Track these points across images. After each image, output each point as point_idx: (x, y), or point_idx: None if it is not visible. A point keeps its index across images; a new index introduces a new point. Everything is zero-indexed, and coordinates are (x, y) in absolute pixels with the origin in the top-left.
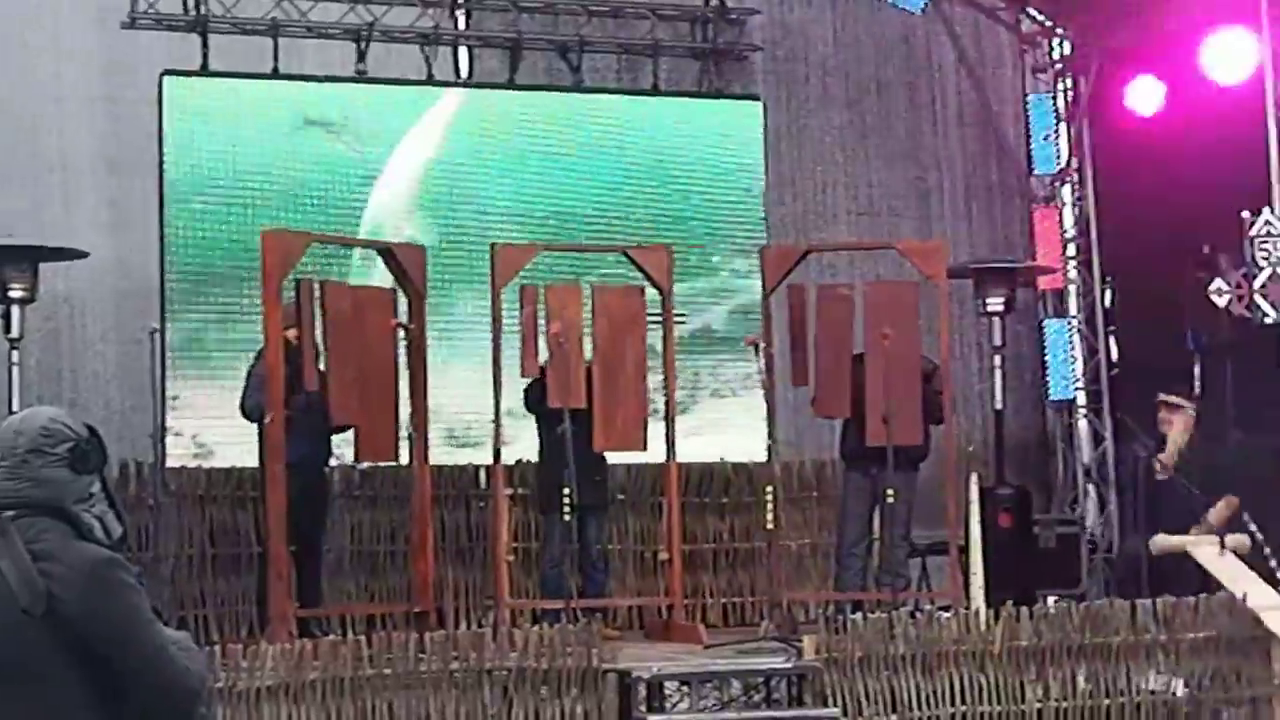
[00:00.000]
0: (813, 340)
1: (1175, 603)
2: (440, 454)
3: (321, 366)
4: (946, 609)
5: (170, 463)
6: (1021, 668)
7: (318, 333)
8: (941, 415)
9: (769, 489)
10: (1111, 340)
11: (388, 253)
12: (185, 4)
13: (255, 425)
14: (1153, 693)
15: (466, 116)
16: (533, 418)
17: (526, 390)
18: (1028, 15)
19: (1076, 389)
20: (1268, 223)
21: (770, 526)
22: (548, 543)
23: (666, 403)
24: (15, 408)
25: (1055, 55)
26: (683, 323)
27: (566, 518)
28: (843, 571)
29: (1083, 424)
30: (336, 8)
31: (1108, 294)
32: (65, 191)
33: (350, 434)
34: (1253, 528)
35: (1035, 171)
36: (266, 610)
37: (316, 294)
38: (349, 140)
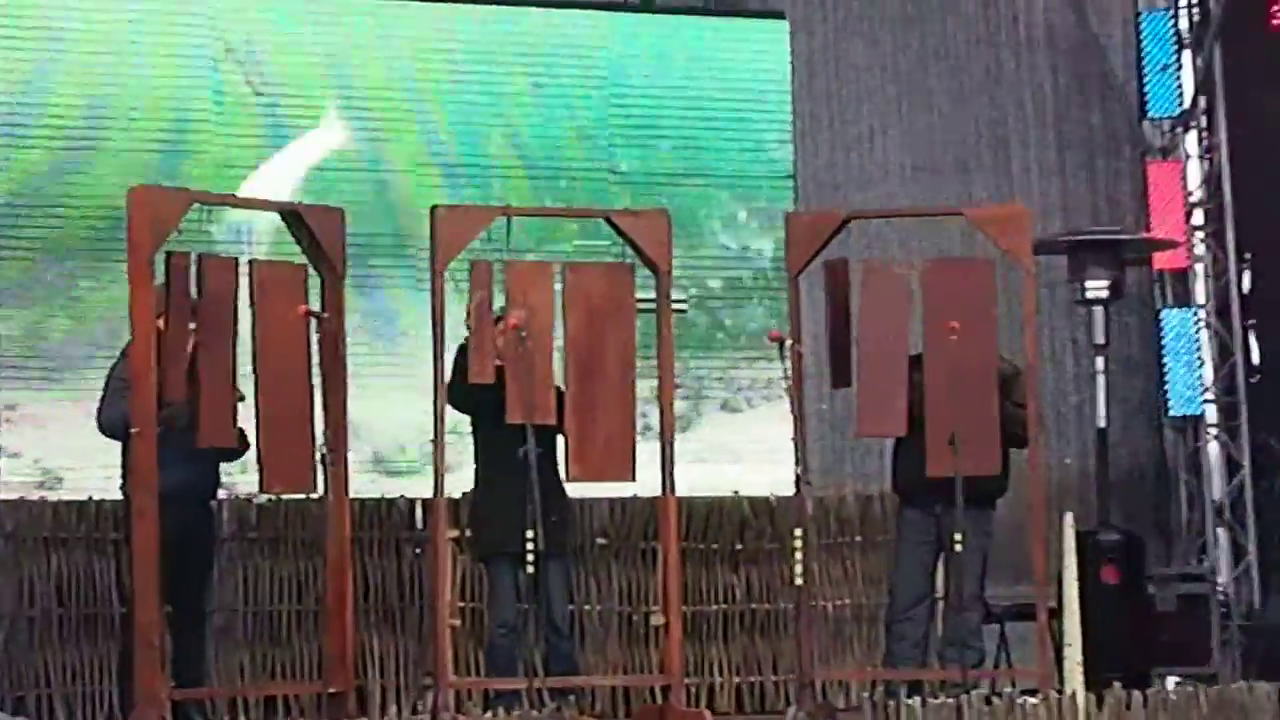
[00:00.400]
0: (856, 335)
1: None
2: (364, 484)
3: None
4: (1033, 692)
5: (4, 494)
6: None
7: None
8: (1025, 436)
9: (798, 533)
10: (1251, 337)
11: (295, 217)
12: None
13: (118, 444)
14: None
15: (399, 38)
16: (467, 422)
17: (452, 380)
18: None
19: (1205, 402)
20: None
21: (799, 582)
22: (494, 601)
23: (662, 417)
24: None
25: None
26: (684, 312)
27: (530, 569)
28: (895, 642)
29: (1213, 448)
30: None
31: (1245, 276)
32: None
33: (245, 456)
34: None
35: (1150, 115)
36: (132, 689)
37: (193, 270)
38: (249, 69)
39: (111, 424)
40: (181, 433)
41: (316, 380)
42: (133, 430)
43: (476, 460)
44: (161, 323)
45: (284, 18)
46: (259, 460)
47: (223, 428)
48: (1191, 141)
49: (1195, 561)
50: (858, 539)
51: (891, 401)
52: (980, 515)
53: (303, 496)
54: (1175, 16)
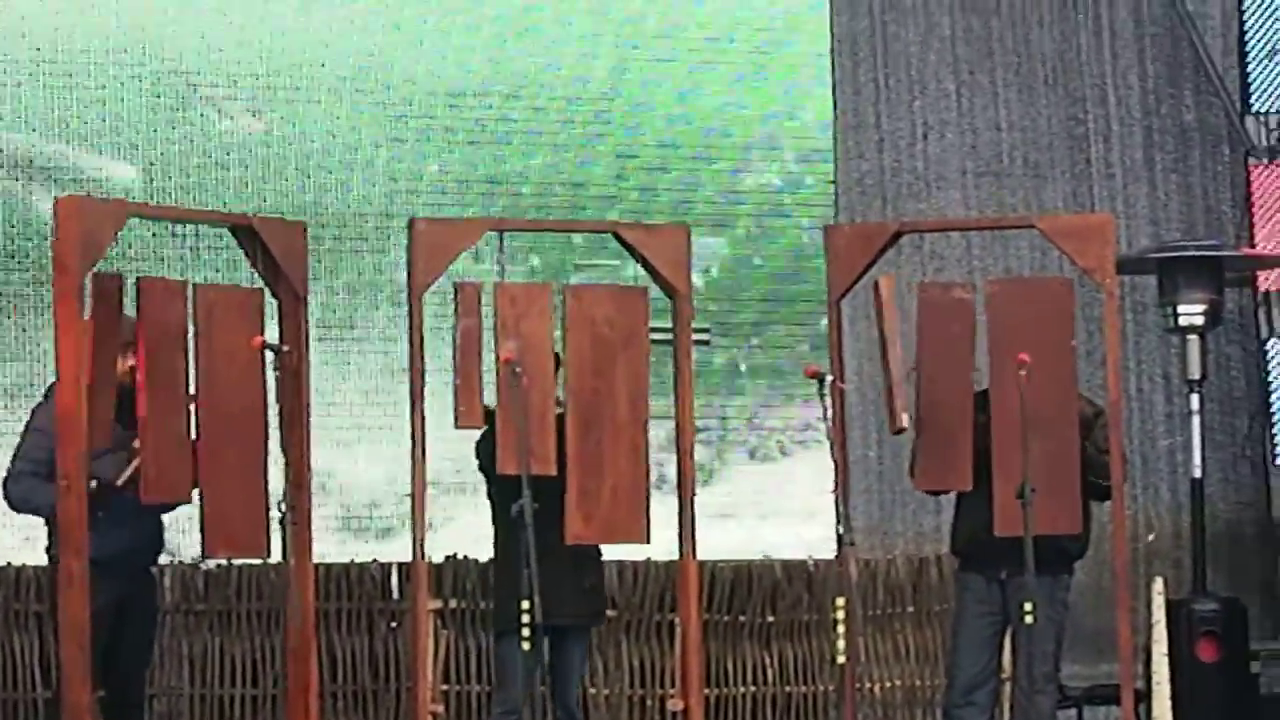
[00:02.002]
0: (910, 370)
1: None
2: (332, 546)
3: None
4: None
5: None
6: None
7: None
8: (1108, 488)
9: (840, 602)
10: None
11: (248, 231)
12: None
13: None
14: None
15: (374, 22)
16: (484, 487)
17: (479, 443)
18: None
19: None
20: None
21: (842, 660)
22: (503, 681)
23: (680, 468)
24: None
25: None
26: (706, 343)
27: (525, 645)
28: None
29: None
30: None
31: None
32: None
33: (189, 515)
34: None
35: (1254, 108)
36: None
37: (128, 295)
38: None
39: (26, 504)
40: (125, 485)
41: (274, 425)
42: (62, 483)
43: (495, 520)
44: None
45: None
46: (201, 520)
47: (176, 480)
48: None
49: None
50: (910, 609)
51: (955, 450)
52: (1054, 582)
53: (258, 562)
54: None
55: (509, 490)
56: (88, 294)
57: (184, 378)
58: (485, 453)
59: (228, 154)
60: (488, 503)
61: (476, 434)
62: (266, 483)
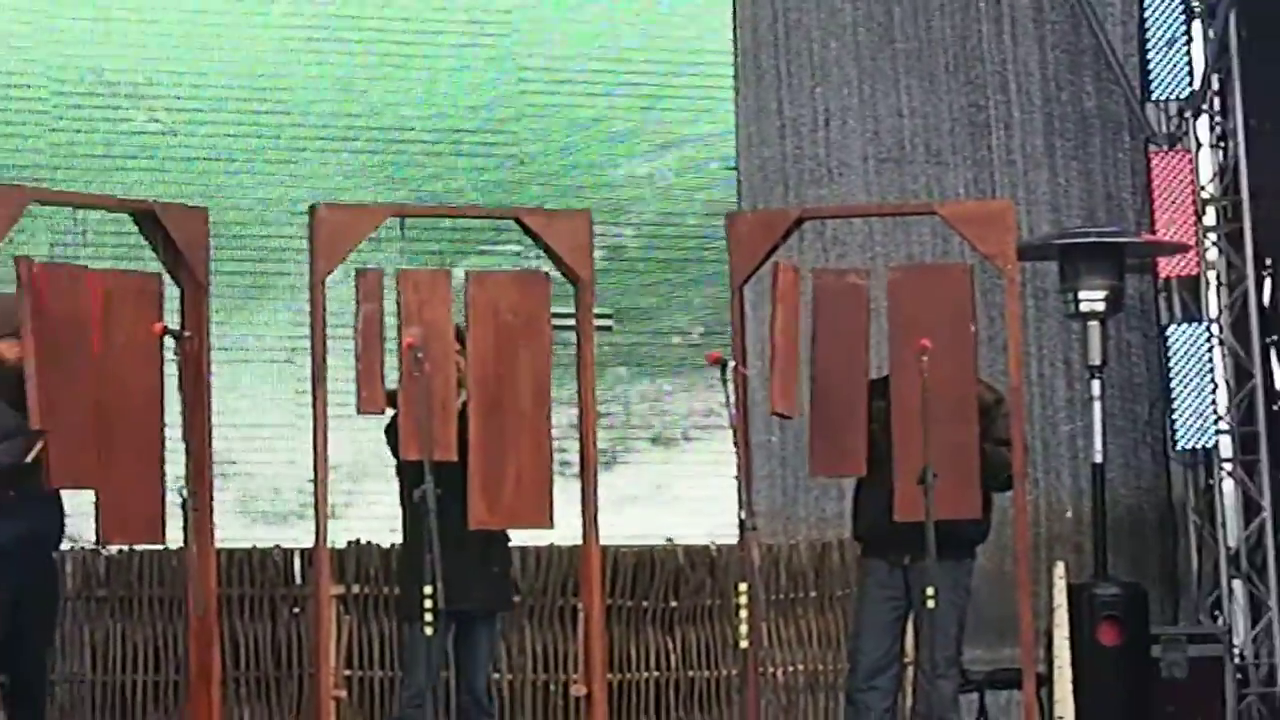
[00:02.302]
0: (809, 356)
1: None
2: (234, 531)
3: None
4: None
5: None
6: None
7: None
8: (1009, 474)
9: (743, 587)
10: (1272, 356)
11: (149, 217)
12: None
13: None
14: None
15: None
16: (391, 472)
17: (388, 429)
18: None
19: (1219, 432)
20: None
21: (745, 645)
22: (410, 668)
23: (583, 453)
24: None
25: None
26: (609, 328)
27: (428, 630)
28: (858, 714)
29: (1228, 486)
30: None
31: (1267, 284)
32: None
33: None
34: None
35: (1154, 96)
36: None
37: (25, 279)
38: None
39: None
40: (27, 471)
41: (173, 412)
42: None
43: (402, 506)
44: (14, 342)
45: None
46: (96, 506)
47: (81, 466)
48: (1203, 128)
49: (1208, 619)
50: (813, 594)
51: (849, 435)
52: (956, 566)
53: (160, 548)
54: None
55: (411, 475)
56: None
57: (84, 363)
58: (394, 438)
59: (130, 145)
60: (397, 488)
61: (379, 420)
62: (163, 469)
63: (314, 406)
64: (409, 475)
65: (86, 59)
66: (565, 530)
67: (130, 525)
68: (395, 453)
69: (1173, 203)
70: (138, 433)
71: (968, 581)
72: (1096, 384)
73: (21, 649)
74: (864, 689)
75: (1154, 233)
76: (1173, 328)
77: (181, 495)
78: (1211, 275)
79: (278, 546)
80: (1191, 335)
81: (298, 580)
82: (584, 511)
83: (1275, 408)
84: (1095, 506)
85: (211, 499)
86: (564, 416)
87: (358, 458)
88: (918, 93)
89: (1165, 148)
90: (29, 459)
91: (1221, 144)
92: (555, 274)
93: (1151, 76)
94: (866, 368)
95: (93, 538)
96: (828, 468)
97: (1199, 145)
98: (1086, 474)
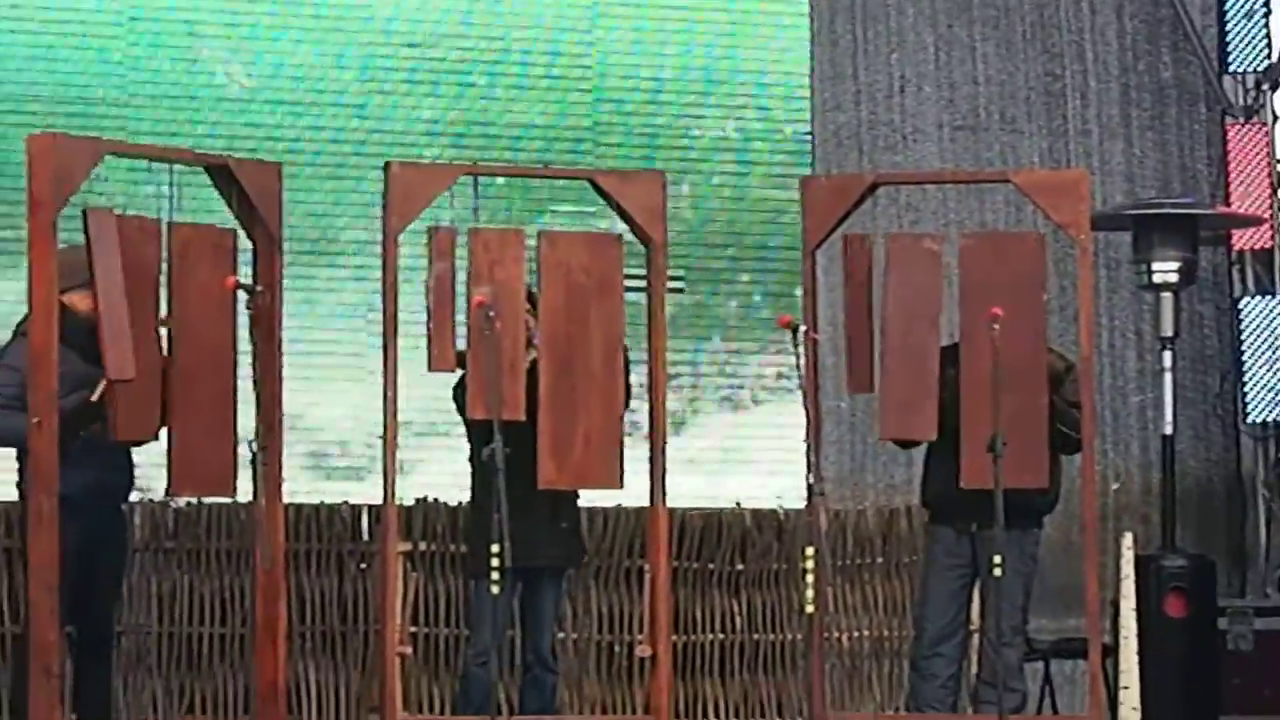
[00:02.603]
0: (881, 322)
1: None
2: (302, 487)
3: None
4: None
5: None
6: None
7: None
8: (1078, 442)
9: (810, 552)
10: None
11: (223, 171)
12: None
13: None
14: None
15: None
16: (460, 430)
17: (456, 388)
18: None
19: None
20: None
21: (811, 610)
22: (476, 626)
23: (653, 415)
24: None
25: None
26: (681, 290)
27: (494, 588)
28: (922, 681)
29: None
30: None
31: None
32: None
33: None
34: None
35: (1232, 67)
36: None
37: (109, 233)
38: None
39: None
40: (95, 421)
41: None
42: (33, 420)
43: (472, 465)
44: (78, 298)
45: None
46: (169, 458)
47: (147, 419)
48: None
49: (1275, 592)
50: (879, 560)
51: (921, 400)
52: (1023, 535)
53: (228, 501)
54: None
55: (480, 435)
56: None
57: (155, 316)
58: (462, 398)
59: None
60: (466, 447)
61: (450, 377)
62: (235, 422)
63: (385, 363)
64: (476, 434)
65: (167, 8)
66: (633, 492)
67: (200, 478)
68: (462, 413)
69: (1248, 175)
70: (209, 386)
71: (1035, 551)
72: (1168, 355)
73: (89, 600)
74: (929, 656)
75: (1229, 205)
76: (1245, 300)
77: (251, 449)
78: None
79: (346, 502)
80: (1264, 308)
81: (365, 536)
82: (652, 473)
83: None
84: (1164, 478)
85: (281, 453)
86: (634, 379)
87: (427, 415)
88: (994, 60)
89: (1241, 120)
90: (94, 398)
91: None
92: (628, 235)
93: (1229, 48)
94: (940, 333)
95: (162, 490)
96: (898, 432)
97: (1275, 118)
98: (1156, 445)
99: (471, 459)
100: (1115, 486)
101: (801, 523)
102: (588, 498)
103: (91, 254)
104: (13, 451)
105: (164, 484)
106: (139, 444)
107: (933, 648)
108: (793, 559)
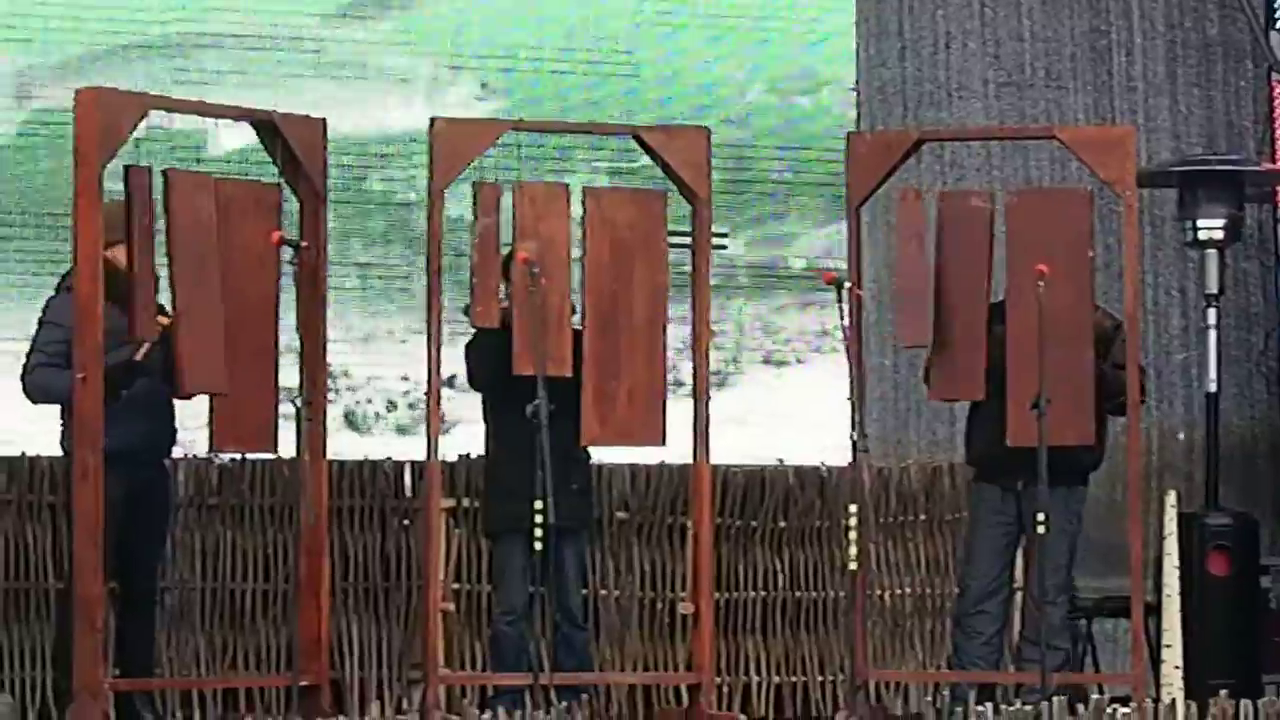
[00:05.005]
0: (930, 278)
1: None
2: (344, 443)
3: (164, 302)
4: (1124, 700)
5: None
6: None
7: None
8: (1124, 401)
9: (853, 509)
10: None
11: (269, 127)
12: None
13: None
14: None
15: None
16: (478, 391)
17: (470, 346)
18: None
19: None
20: None
21: (853, 567)
22: (502, 585)
23: (696, 372)
24: None
25: None
26: (724, 247)
27: (538, 544)
28: (965, 639)
29: None
30: None
31: None
32: None
33: (202, 409)
34: None
35: (1279, 24)
36: (70, 678)
37: (158, 188)
38: None
39: (44, 392)
40: (140, 377)
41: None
42: (78, 376)
43: (487, 421)
44: (119, 252)
45: None
46: (211, 413)
47: (215, 373)
48: None
49: None
50: (923, 518)
51: (969, 359)
52: (1068, 494)
53: (271, 457)
54: None
55: (505, 392)
56: None
57: (215, 270)
58: (476, 357)
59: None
60: (483, 407)
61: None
62: (277, 378)
63: (428, 319)
64: (502, 390)
65: None
66: (676, 449)
67: (243, 434)
68: (471, 370)
69: None
70: (253, 342)
71: (1080, 509)
72: (1213, 313)
73: (133, 555)
74: (973, 613)
75: (1275, 162)
76: None
77: (295, 405)
78: None
79: (389, 458)
80: None
81: (408, 493)
82: (695, 430)
83: None
84: (1208, 436)
85: (325, 409)
86: (677, 335)
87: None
88: (1039, 16)
89: None
90: (139, 357)
91: None
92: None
93: (1276, 5)
94: (988, 292)
95: (206, 445)
96: (947, 391)
97: None
98: (1200, 403)
99: (487, 417)
100: (1167, 452)
101: (844, 480)
102: (631, 454)
103: (130, 211)
104: (57, 409)
105: (206, 440)
106: (209, 395)
107: (976, 605)
108: (835, 516)
